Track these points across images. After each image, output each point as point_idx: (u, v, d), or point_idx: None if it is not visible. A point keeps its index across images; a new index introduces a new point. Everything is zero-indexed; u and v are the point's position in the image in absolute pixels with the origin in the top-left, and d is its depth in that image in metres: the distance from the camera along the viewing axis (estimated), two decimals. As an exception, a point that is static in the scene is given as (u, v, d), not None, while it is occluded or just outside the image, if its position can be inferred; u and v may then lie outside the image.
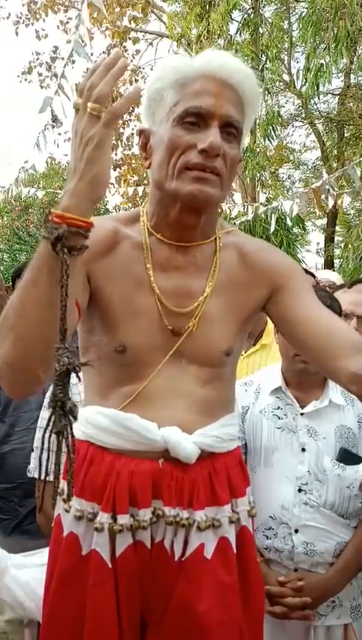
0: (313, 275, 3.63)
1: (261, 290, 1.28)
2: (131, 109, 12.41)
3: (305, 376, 1.78)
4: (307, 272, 3.74)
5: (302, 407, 1.81)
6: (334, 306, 1.81)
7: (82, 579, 1.18)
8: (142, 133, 1.24)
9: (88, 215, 0.97)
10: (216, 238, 1.29)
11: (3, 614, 1.58)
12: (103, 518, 1.18)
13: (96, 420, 1.23)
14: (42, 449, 0.96)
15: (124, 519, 1.17)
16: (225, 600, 1.20)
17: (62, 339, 0.92)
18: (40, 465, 1.74)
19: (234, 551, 1.24)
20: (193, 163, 1.14)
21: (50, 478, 0.99)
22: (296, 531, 1.72)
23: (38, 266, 0.98)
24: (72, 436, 0.93)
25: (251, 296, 1.28)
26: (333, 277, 4.21)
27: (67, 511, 1.24)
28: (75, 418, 0.92)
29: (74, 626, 1.18)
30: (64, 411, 0.90)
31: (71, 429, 0.92)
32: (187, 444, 1.20)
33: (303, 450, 1.76)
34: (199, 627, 1.17)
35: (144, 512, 1.18)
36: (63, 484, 1.27)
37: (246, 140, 1.27)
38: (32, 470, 1.95)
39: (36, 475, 1.91)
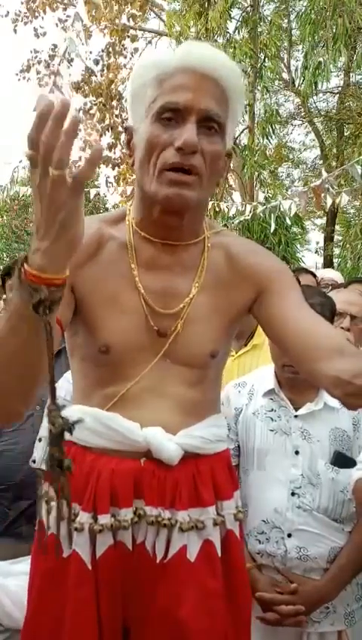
0: (314, 275, 3.61)
1: (247, 291, 1.25)
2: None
3: (297, 381, 1.75)
4: (308, 271, 3.73)
5: (296, 409, 1.77)
6: (327, 305, 1.78)
7: (63, 580, 1.17)
8: (127, 130, 1.22)
9: (65, 270, 0.90)
10: (204, 238, 1.26)
11: None
12: (84, 517, 1.17)
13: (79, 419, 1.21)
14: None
15: (104, 519, 1.16)
16: (209, 606, 1.18)
17: (54, 399, 0.90)
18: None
19: (219, 554, 1.22)
20: (170, 163, 1.11)
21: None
22: (289, 536, 1.69)
23: (16, 318, 0.93)
24: (69, 490, 0.92)
25: (237, 298, 1.25)
26: (336, 276, 4.21)
27: (49, 512, 1.21)
28: (71, 473, 0.92)
29: (55, 627, 1.17)
30: (62, 469, 0.91)
31: (68, 483, 0.92)
32: (170, 445, 1.19)
33: (297, 453, 1.73)
34: (181, 633, 1.15)
35: (125, 512, 1.16)
36: (48, 488, 1.24)
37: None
38: (39, 462, 1.87)
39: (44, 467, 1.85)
